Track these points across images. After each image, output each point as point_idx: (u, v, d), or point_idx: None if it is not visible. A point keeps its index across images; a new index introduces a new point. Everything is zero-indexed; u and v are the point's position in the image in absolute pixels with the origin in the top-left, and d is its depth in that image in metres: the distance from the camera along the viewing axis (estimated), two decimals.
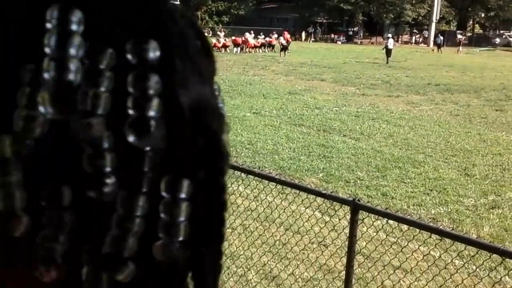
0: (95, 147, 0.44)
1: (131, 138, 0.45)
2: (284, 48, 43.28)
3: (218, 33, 48.82)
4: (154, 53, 0.46)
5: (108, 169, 0.45)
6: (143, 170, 0.46)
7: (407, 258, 6.56)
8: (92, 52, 0.45)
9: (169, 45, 0.48)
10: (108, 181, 0.45)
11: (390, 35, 45.67)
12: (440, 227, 4.55)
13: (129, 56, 0.46)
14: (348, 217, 4.97)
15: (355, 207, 4.55)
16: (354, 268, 6.53)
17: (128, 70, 0.45)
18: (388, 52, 40.95)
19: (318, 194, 5.12)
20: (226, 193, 0.56)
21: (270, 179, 5.74)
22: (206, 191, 0.52)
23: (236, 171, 5.96)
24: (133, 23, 0.47)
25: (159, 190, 0.47)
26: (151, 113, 0.46)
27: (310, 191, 5.20)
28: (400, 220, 4.78)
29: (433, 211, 9.76)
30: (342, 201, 5.22)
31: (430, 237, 5.16)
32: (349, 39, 75.46)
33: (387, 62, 39.93)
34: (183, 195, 0.49)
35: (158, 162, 0.47)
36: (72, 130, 0.44)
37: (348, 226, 6.00)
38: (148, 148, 0.46)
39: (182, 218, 0.49)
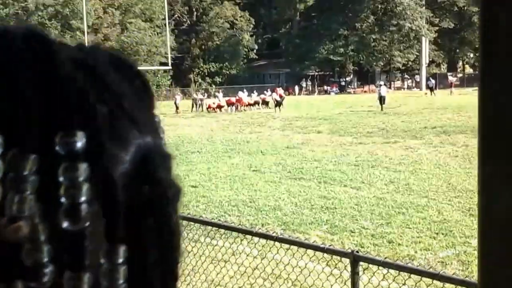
0: (32, 242, 0.47)
1: (65, 225, 0.48)
2: (278, 104, 43.67)
3: (217, 94, 49.38)
4: (81, 142, 0.49)
5: (46, 259, 0.48)
6: (83, 248, 0.49)
7: None
8: (14, 162, 0.48)
9: (96, 129, 0.50)
10: (46, 270, 0.48)
11: (382, 83, 46.18)
12: (442, 272, 4.45)
13: (57, 149, 0.48)
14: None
15: (354, 259, 4.50)
16: None
17: (58, 162, 0.48)
18: (382, 99, 41.32)
19: (316, 248, 5.08)
20: (179, 236, 0.58)
21: (267, 237, 5.69)
22: (156, 237, 0.54)
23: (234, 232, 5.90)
24: (57, 118, 0.49)
25: (99, 258, 0.50)
26: (82, 198, 0.48)
27: (308, 246, 5.15)
28: (400, 268, 4.73)
29: (441, 255, 9.64)
30: (342, 254, 5.17)
31: (432, 282, 5.08)
32: (342, 89, 76.16)
33: (381, 109, 40.20)
34: (120, 260, 0.51)
35: (95, 237, 0.49)
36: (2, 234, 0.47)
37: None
38: (83, 229, 0.49)
39: (121, 281, 0.51)
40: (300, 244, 5.26)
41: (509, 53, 1.04)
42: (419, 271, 4.50)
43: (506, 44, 1.05)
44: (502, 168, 1.05)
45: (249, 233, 5.90)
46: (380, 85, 44.38)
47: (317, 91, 76.92)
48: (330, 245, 6.38)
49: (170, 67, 67.92)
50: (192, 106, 48.08)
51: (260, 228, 11.27)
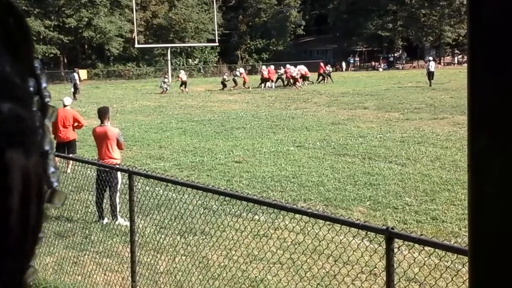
0: None
1: None
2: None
3: (263, 68, 48.44)
4: None
5: None
6: None
7: (464, 281, 6.37)
8: None
9: None
10: None
11: (431, 58, 45.34)
12: None
13: None
14: (395, 245, 4.87)
15: (389, 236, 4.44)
16: None
17: None
18: (430, 74, 40.60)
19: (351, 224, 5.02)
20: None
21: (300, 212, 5.66)
22: None
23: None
24: None
25: None
26: None
27: (343, 222, 5.10)
28: (436, 245, 4.65)
29: None
30: (376, 231, 5.12)
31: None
32: (390, 65, 75.10)
33: (430, 85, 39.52)
34: None
35: None
36: None
37: (399, 253, 5.91)
38: None
39: None
40: (335, 220, 5.22)
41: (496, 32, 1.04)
42: (455, 249, 4.44)
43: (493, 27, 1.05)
44: (492, 143, 1.05)
45: (284, 209, 5.89)
46: (429, 60, 43.55)
47: (365, 67, 76.04)
48: (365, 221, 6.32)
49: (217, 44, 68.16)
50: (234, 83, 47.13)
51: (302, 204, 11.29)
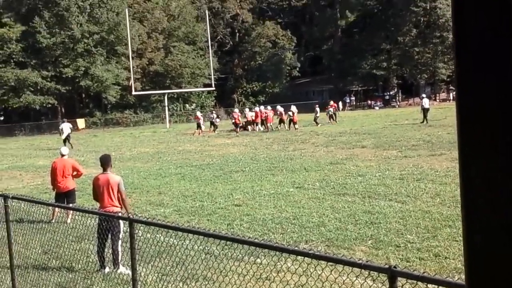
0: None
1: None
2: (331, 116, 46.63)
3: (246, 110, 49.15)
4: None
5: None
6: None
7: None
8: None
9: None
10: None
11: (424, 95, 45.69)
12: None
13: None
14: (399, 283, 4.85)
15: (392, 274, 4.44)
16: None
17: None
18: (425, 111, 40.85)
19: (353, 264, 5.00)
20: None
21: (302, 253, 5.66)
22: None
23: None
24: None
25: None
26: None
27: (346, 263, 5.08)
28: (439, 282, 4.65)
29: None
30: (379, 270, 5.10)
31: None
32: (386, 104, 75.58)
33: (426, 122, 39.73)
34: None
35: None
36: None
37: None
38: None
39: None
40: (337, 261, 5.21)
41: (482, 52, 1.09)
42: (458, 285, 4.42)
43: (479, 46, 1.10)
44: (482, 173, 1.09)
45: (286, 251, 5.89)
46: (423, 97, 43.95)
47: (361, 106, 76.48)
48: (368, 261, 6.31)
49: (213, 88, 68.72)
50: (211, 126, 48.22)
51: (304, 245, 11.25)
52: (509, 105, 1.03)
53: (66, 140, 38.12)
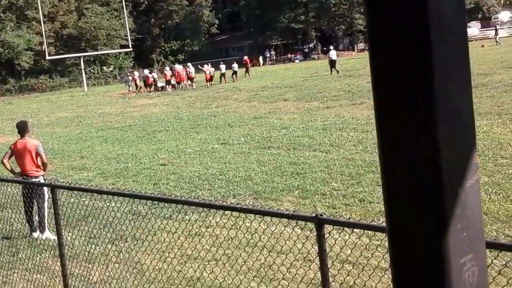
0: None
1: None
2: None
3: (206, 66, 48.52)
4: None
5: None
6: None
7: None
8: None
9: None
10: None
11: (331, 47, 46.44)
12: None
13: None
14: (326, 230, 4.91)
15: (319, 222, 4.51)
16: (345, 277, 6.47)
17: None
18: (333, 63, 42.16)
19: (281, 215, 5.06)
20: None
21: (230, 208, 5.67)
22: None
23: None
24: None
25: None
26: None
27: (273, 214, 5.12)
28: (364, 227, 4.80)
29: None
30: (306, 219, 5.17)
31: None
32: (306, 56, 76.07)
33: (337, 72, 40.70)
34: None
35: None
36: None
37: (330, 238, 5.97)
38: None
39: None
40: (265, 213, 5.23)
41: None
42: (383, 228, 4.52)
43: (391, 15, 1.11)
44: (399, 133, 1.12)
45: (213, 207, 5.88)
46: (330, 49, 44.98)
47: (281, 60, 76.76)
48: (295, 211, 6.37)
49: (131, 49, 67.29)
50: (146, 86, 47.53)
51: (232, 200, 11.28)
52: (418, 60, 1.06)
53: None
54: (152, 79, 46.77)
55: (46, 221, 10.22)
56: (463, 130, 1.11)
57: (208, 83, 44.76)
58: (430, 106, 1.05)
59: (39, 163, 10.58)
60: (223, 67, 46.89)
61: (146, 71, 50.04)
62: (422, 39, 1.05)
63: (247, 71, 49.40)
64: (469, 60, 1.13)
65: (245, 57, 52.72)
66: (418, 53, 1.04)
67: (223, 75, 47.17)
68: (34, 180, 10.26)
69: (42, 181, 10.32)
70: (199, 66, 48.09)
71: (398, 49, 1.07)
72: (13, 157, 10.84)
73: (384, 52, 1.10)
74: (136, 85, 46.12)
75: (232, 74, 47.32)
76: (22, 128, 10.82)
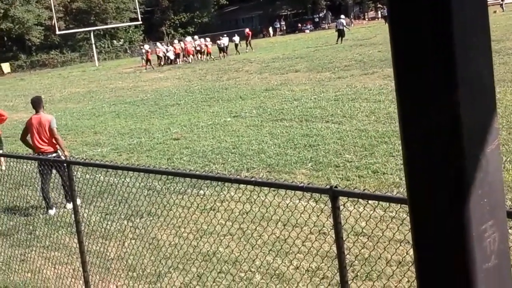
0: None
1: None
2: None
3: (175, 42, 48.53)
4: None
5: None
6: None
7: (409, 229, 6.52)
8: None
9: None
10: None
11: (342, 16, 46.36)
12: None
13: None
14: (340, 202, 4.93)
15: (334, 194, 4.51)
16: (360, 249, 6.51)
17: None
18: (341, 32, 42.46)
19: (295, 188, 5.06)
20: None
21: (244, 182, 5.68)
22: None
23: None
24: None
25: None
26: None
27: (287, 187, 5.11)
28: (379, 198, 4.78)
29: None
30: (320, 191, 5.16)
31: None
32: (317, 26, 75.53)
33: (341, 42, 41.15)
34: None
35: None
36: None
37: (345, 210, 6.01)
38: None
39: None
40: (279, 186, 5.22)
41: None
42: (398, 199, 4.52)
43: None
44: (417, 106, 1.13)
45: (228, 181, 5.89)
46: (339, 18, 44.86)
47: (292, 30, 76.22)
48: (309, 184, 6.38)
49: (140, 22, 67.00)
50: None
51: (245, 173, 11.32)
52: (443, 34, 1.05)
53: None
54: (163, 52, 46.70)
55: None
56: (483, 94, 1.11)
57: (208, 56, 45.28)
58: (451, 70, 1.05)
59: (51, 138, 10.70)
60: (226, 39, 46.50)
61: (160, 46, 49.77)
62: (442, 2, 1.05)
63: (248, 43, 49.23)
64: (489, 25, 1.12)
65: (247, 29, 52.37)
66: (438, 17, 1.04)
67: (236, 45, 47.33)
68: (50, 156, 10.33)
69: (60, 156, 10.39)
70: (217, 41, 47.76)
71: (417, 14, 1.07)
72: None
73: (404, 17, 1.09)
74: (148, 59, 45.94)
75: (235, 46, 47.54)
76: (37, 104, 11.00)
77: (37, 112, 10.90)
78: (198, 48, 46.42)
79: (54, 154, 10.52)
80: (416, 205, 1.17)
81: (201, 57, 45.89)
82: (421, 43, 1.07)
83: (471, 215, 1.09)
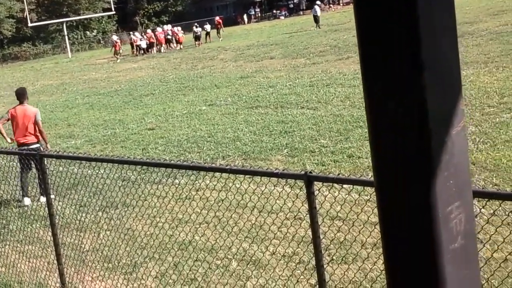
0: None
1: None
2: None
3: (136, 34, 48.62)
4: None
5: None
6: None
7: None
8: None
9: None
10: None
11: (318, 2, 46.77)
12: None
13: None
14: (315, 187, 4.92)
15: (309, 180, 4.51)
16: (335, 233, 6.52)
17: None
18: (316, 19, 42.91)
19: (270, 174, 5.05)
20: None
21: (218, 170, 5.66)
22: None
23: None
24: None
25: None
26: None
27: (261, 174, 5.10)
28: (353, 182, 4.80)
29: None
30: (295, 177, 5.17)
31: None
32: (291, 12, 75.36)
33: (318, 28, 41.31)
34: None
35: None
36: None
37: (320, 195, 6.03)
38: None
39: None
40: (254, 173, 5.20)
41: None
42: (372, 182, 4.52)
43: None
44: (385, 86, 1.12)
45: (202, 169, 5.87)
46: (315, 5, 45.21)
47: (266, 17, 76.02)
48: (284, 170, 6.37)
49: (113, 12, 66.38)
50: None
51: (221, 161, 11.29)
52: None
53: None
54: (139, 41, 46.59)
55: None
56: (449, 76, 1.11)
57: (180, 46, 45.46)
58: (416, 53, 1.05)
59: (37, 131, 10.68)
60: (198, 30, 46.74)
61: (137, 34, 49.51)
62: None
63: (218, 32, 49.37)
64: (454, 6, 1.12)
65: (217, 18, 52.54)
66: (403, 1, 1.04)
67: (208, 34, 47.36)
68: (32, 147, 10.32)
69: (40, 148, 10.41)
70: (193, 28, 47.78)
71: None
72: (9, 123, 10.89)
73: (369, 1, 1.10)
74: (116, 50, 45.42)
75: (206, 35, 47.86)
76: (22, 95, 11.05)
77: (21, 103, 10.94)
78: (168, 37, 46.25)
79: (37, 145, 10.50)
80: (382, 187, 1.18)
81: (174, 46, 45.69)
82: (387, 27, 1.07)
83: (437, 197, 1.10)
